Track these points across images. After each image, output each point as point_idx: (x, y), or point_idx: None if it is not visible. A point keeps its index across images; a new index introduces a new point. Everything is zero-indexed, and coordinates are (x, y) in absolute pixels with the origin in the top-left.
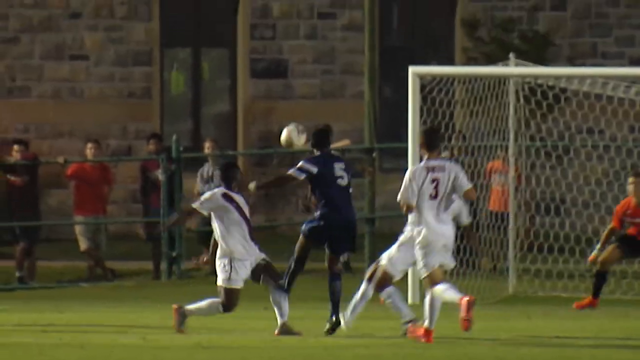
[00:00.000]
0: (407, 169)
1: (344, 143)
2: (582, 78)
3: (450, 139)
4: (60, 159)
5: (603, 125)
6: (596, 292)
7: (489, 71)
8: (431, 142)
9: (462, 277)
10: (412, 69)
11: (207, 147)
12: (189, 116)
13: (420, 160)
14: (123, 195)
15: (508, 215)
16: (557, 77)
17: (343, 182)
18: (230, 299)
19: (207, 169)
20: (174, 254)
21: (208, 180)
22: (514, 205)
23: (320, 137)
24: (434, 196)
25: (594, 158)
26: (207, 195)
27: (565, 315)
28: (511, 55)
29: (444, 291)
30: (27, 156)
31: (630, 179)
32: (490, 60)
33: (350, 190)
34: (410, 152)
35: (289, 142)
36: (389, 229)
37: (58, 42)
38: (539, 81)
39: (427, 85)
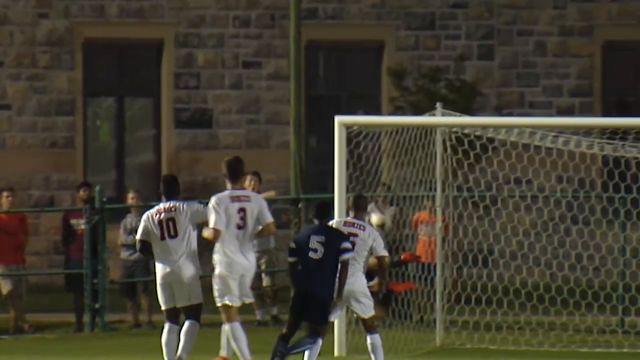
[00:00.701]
0: (333, 220)
1: (269, 194)
2: (509, 128)
3: (375, 189)
4: None
5: (531, 176)
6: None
7: (416, 121)
8: (234, 172)
9: (389, 328)
10: (338, 119)
11: (130, 197)
12: (112, 166)
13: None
14: (45, 246)
15: (435, 266)
16: (485, 127)
17: (315, 255)
18: None
19: (130, 219)
20: (97, 305)
21: (131, 232)
22: (441, 256)
23: (319, 210)
24: (241, 226)
25: (522, 208)
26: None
27: None
28: (438, 104)
29: (237, 340)
30: None
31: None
32: (417, 110)
33: (324, 262)
34: (337, 203)
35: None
36: None
37: None
38: (466, 131)
39: (353, 137)
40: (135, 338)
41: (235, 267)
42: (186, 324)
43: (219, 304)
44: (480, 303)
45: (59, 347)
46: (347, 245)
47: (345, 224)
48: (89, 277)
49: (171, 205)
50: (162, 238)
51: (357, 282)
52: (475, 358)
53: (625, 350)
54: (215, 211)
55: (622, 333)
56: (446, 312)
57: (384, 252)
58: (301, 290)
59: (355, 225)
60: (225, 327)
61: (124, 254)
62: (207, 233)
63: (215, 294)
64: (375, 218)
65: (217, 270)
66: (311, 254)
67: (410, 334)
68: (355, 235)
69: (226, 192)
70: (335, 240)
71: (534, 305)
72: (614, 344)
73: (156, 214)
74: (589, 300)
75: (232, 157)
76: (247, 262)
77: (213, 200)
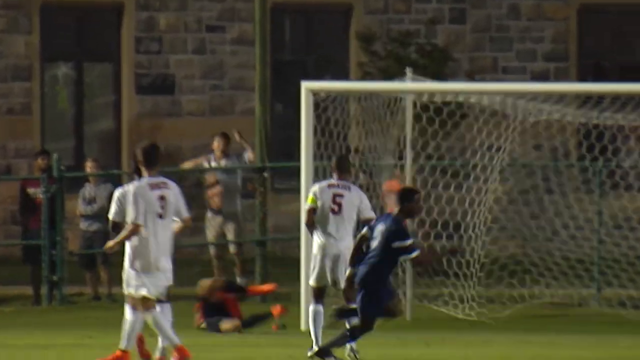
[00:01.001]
0: (299, 189)
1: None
2: (482, 94)
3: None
4: None
5: (504, 143)
6: None
7: (385, 87)
8: (149, 158)
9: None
10: (304, 84)
11: (89, 166)
12: (71, 134)
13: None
14: (2, 216)
15: None
16: (456, 93)
17: (373, 243)
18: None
19: (88, 189)
20: (55, 278)
21: (90, 201)
22: (412, 226)
23: (400, 196)
24: (162, 215)
25: (495, 177)
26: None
27: (466, 342)
28: (408, 70)
29: (161, 327)
30: None
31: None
32: (387, 76)
33: (373, 252)
34: (303, 171)
35: None
36: (281, 251)
37: None
38: (437, 97)
39: (320, 103)
40: (95, 311)
41: (152, 258)
42: (161, 307)
43: (133, 294)
44: (451, 275)
45: (15, 321)
46: (401, 244)
47: (330, 186)
48: (47, 249)
49: None
50: None
51: (345, 246)
52: (446, 332)
53: (602, 323)
54: (135, 203)
55: (598, 306)
56: (416, 284)
57: (371, 214)
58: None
59: (340, 186)
60: (147, 318)
61: (83, 225)
62: (124, 233)
63: (133, 283)
64: None
65: (137, 264)
66: (370, 242)
67: None
68: (341, 196)
69: (144, 180)
70: (391, 236)
71: (505, 278)
72: (590, 317)
73: None
74: (564, 272)
75: (147, 143)
76: (163, 252)
77: (131, 190)
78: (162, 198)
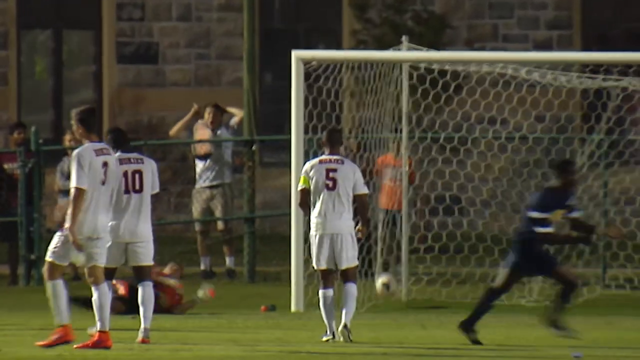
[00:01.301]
0: (289, 163)
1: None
2: (482, 62)
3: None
4: None
5: (504, 115)
6: None
7: (380, 56)
8: (89, 123)
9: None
10: (295, 53)
11: (68, 139)
12: (49, 105)
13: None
14: None
15: (400, 214)
16: (454, 62)
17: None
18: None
19: (67, 163)
20: (32, 256)
21: (69, 176)
22: (407, 202)
23: (557, 168)
24: (104, 182)
25: (495, 150)
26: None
27: None
28: (404, 38)
29: (57, 298)
30: None
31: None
32: (382, 44)
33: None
34: (293, 145)
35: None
36: (270, 228)
37: None
38: (435, 67)
39: (312, 73)
40: (74, 292)
41: (89, 228)
42: (143, 288)
43: (49, 259)
44: (448, 252)
45: None
46: (533, 214)
47: (322, 162)
48: (24, 226)
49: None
50: (127, 192)
51: (344, 224)
52: (444, 314)
53: (607, 305)
54: (79, 167)
55: (603, 287)
56: (413, 263)
57: (364, 190)
58: None
59: (333, 160)
60: (47, 285)
61: (62, 200)
62: (71, 209)
63: (53, 247)
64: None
65: (82, 230)
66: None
67: (375, 289)
68: (335, 170)
69: (88, 145)
70: (532, 204)
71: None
72: (595, 298)
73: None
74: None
75: (84, 107)
76: (104, 222)
77: (75, 154)
78: (105, 164)
